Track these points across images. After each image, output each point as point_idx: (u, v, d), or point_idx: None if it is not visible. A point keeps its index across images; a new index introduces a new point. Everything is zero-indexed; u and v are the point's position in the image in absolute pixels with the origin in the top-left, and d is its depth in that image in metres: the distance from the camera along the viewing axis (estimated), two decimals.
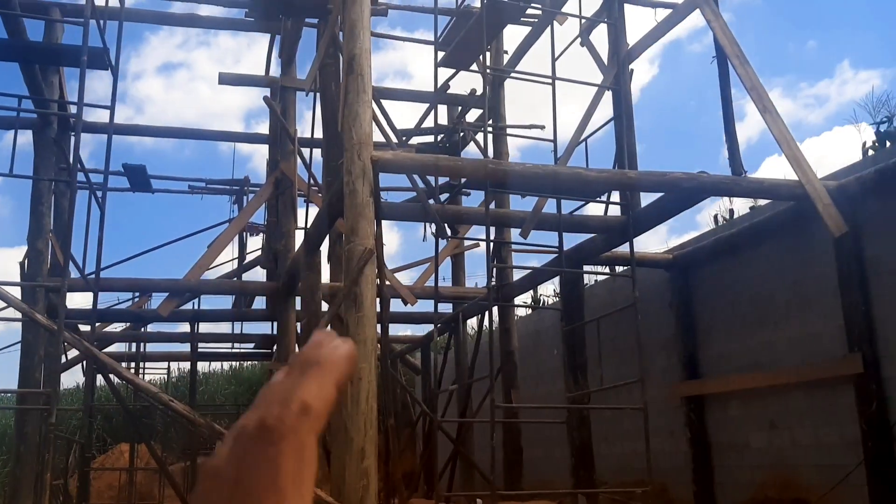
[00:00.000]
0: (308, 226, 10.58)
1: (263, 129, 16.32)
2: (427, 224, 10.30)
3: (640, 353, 8.93)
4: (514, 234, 13.26)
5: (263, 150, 15.67)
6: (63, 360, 14.28)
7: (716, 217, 13.43)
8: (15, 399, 11.82)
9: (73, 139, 7.82)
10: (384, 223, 7.84)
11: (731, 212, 13.24)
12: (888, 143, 10.21)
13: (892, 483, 8.08)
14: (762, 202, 12.49)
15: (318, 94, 10.67)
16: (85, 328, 14.94)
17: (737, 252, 10.90)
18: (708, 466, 11.29)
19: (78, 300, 22.21)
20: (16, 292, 6.89)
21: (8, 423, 21.03)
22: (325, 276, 11.28)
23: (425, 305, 15.11)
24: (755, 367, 10.40)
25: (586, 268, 12.35)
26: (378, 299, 7.78)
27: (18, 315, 9.51)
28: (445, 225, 9.76)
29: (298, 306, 13.10)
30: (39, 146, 12.18)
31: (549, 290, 20.29)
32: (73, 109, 12.80)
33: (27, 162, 12.85)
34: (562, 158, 9.47)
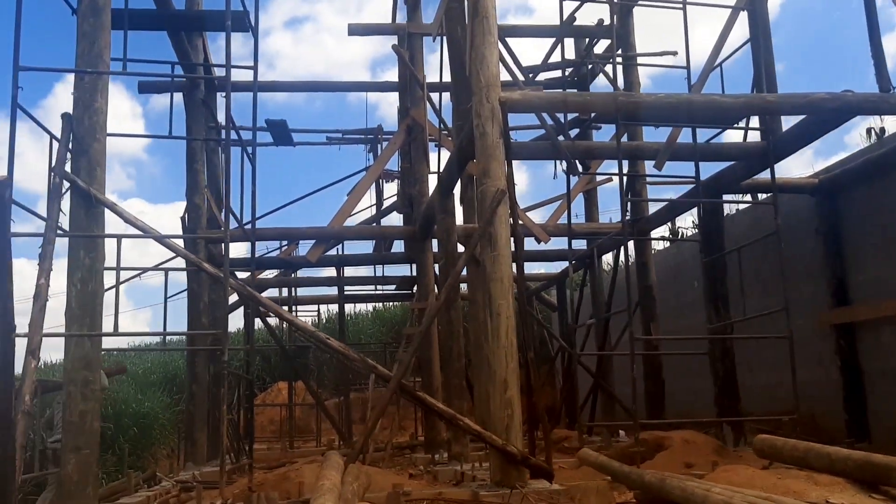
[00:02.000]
0: (440, 170, 10.85)
1: (391, 76, 16.65)
2: (558, 161, 10.34)
3: (784, 282, 8.70)
4: (648, 166, 13.08)
5: (391, 97, 16.04)
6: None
7: (869, 131, 12.64)
8: (186, 341, 12.95)
9: (223, 100, 8.34)
10: (514, 163, 7.97)
11: (882, 130, 12.44)
12: None
13: None
14: None
15: (444, 39, 10.83)
16: (241, 275, 16.11)
17: (889, 173, 10.31)
18: (860, 394, 10.93)
19: (233, 250, 23.75)
20: (178, 244, 7.58)
21: (177, 366, 22.95)
22: (459, 219, 11.59)
23: (559, 243, 15.19)
24: None
25: (725, 197, 12.02)
26: (512, 238, 7.99)
27: (183, 265, 10.39)
28: (576, 161, 9.77)
29: (435, 248, 13.57)
30: (190, 108, 13.03)
31: (687, 221, 19.81)
32: (217, 72, 13.63)
33: (179, 123, 13.74)
34: (695, 85, 9.24)
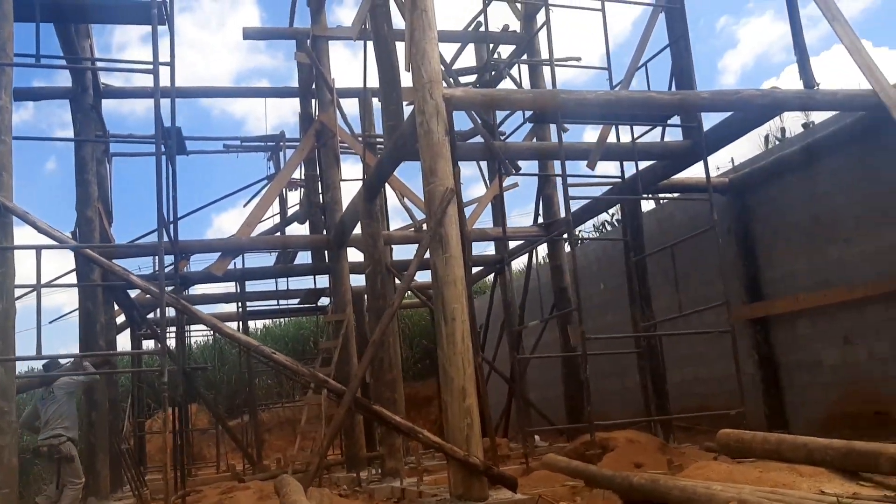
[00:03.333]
0: (364, 175, 10.42)
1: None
2: (481, 165, 10.11)
3: (699, 280, 8.82)
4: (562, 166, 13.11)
5: (259, 110, 15.42)
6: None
7: (766, 138, 13.18)
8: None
9: (112, 105, 7.59)
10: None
11: (783, 131, 13.01)
12: None
13: None
14: (816, 120, 12.27)
15: (363, 41, 10.42)
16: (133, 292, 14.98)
17: (797, 170, 10.71)
18: (778, 387, 11.29)
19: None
20: (100, 258, 6.81)
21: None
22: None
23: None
24: (824, 284, 10.31)
25: (655, 196, 12.18)
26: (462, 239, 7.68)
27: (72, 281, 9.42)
28: (507, 161, 9.60)
29: (351, 257, 13.08)
30: (78, 114, 12.00)
31: (588, 227, 20.13)
32: (103, 75, 12.64)
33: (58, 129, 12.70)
34: (622, 85, 9.25)
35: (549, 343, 14.98)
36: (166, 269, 15.20)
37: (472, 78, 15.07)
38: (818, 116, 10.91)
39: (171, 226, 8.25)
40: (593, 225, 20.22)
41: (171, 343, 19.43)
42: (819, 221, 10.46)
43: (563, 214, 13.55)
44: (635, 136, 9.85)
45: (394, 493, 8.85)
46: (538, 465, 7.61)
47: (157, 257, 6.66)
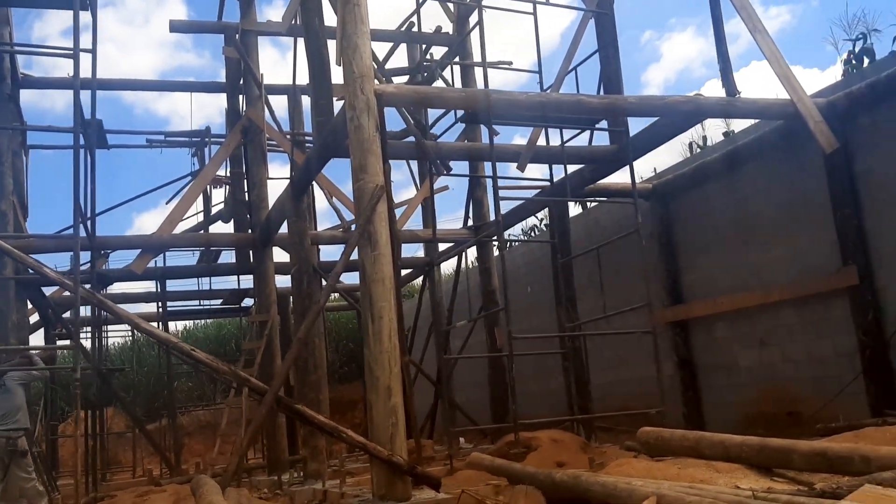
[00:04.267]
0: (291, 173, 10.24)
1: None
2: (411, 164, 10.06)
3: (622, 283, 8.99)
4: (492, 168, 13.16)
5: (183, 109, 15.07)
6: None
7: (690, 145, 13.52)
8: None
9: (31, 96, 7.29)
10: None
11: (705, 139, 13.37)
12: (866, 60, 10.39)
13: (890, 389, 8.40)
14: (736, 128, 12.65)
15: (293, 39, 10.25)
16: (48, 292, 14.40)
17: (718, 177, 11.03)
18: (696, 388, 11.58)
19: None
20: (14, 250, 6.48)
21: None
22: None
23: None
24: (742, 288, 10.63)
25: (583, 199, 12.34)
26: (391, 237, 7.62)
27: None
28: (439, 162, 9.59)
29: (276, 256, 12.85)
30: None
31: (515, 232, 20.30)
32: (21, 66, 12.09)
33: None
34: (552, 88, 9.35)
35: (475, 345, 15.02)
36: (83, 266, 14.72)
37: (405, 79, 15.02)
38: (739, 126, 11.26)
39: (89, 221, 7.92)
40: (521, 230, 20.42)
41: (88, 344, 18.81)
42: (738, 226, 10.78)
43: (492, 217, 13.64)
44: (567, 139, 9.97)
45: (315, 496, 8.70)
46: (462, 466, 7.59)
47: (73, 253, 6.33)
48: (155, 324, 16.07)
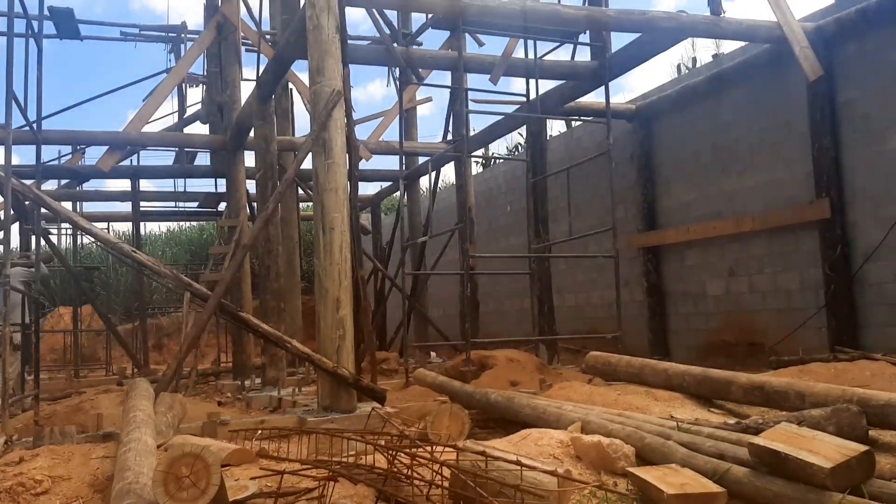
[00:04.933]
0: (259, 74, 9.85)
1: None
2: (390, 72, 9.65)
3: (600, 205, 8.80)
4: (478, 82, 12.75)
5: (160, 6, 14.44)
6: None
7: (678, 66, 13.08)
8: None
9: None
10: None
11: (694, 60, 12.93)
12: None
13: (851, 325, 8.33)
14: (725, 51, 12.22)
15: None
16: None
17: (701, 101, 10.70)
18: (663, 314, 11.54)
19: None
20: None
21: None
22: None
23: (376, 162, 14.68)
24: (716, 216, 10.45)
25: (557, 117, 12.01)
26: (348, 146, 7.36)
27: None
28: (409, 70, 9.23)
29: (248, 161, 12.55)
30: None
31: (501, 148, 19.97)
32: None
33: None
34: None
35: (452, 261, 14.94)
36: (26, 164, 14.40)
37: None
38: (730, 48, 10.84)
39: (36, 113, 7.57)
40: (506, 146, 20.08)
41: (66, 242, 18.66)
42: (717, 153, 10.53)
43: (470, 132, 13.33)
44: (544, 53, 9.59)
45: (271, 402, 8.71)
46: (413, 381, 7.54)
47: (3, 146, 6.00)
48: (127, 225, 15.89)
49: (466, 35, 12.30)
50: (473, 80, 12.79)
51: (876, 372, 5.36)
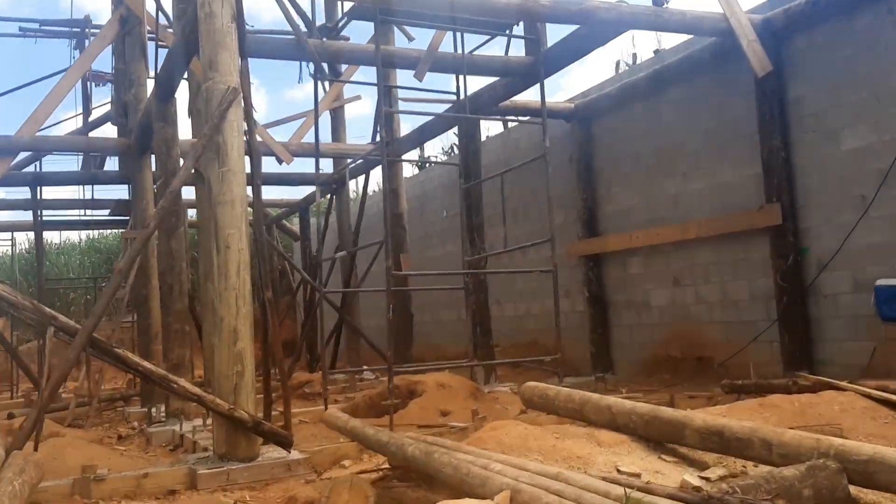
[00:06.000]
0: (158, 69, 8.86)
1: None
2: (305, 65, 8.70)
3: (540, 211, 8.06)
4: (406, 80, 11.92)
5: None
6: None
7: (617, 63, 12.46)
8: None
9: None
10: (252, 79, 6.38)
11: (634, 56, 12.31)
12: None
13: (805, 341, 7.75)
14: (666, 46, 11.63)
15: None
16: None
17: (643, 99, 10.07)
18: (606, 326, 10.88)
19: None
20: None
21: None
22: (187, 132, 9.71)
23: (302, 165, 13.76)
24: (659, 221, 9.83)
25: (489, 117, 11.25)
26: (249, 150, 6.46)
27: None
28: (325, 66, 8.34)
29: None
30: None
31: (436, 148, 19.17)
32: None
33: None
34: None
35: (382, 272, 14.08)
36: None
37: None
38: (673, 42, 10.26)
39: None
40: (442, 147, 19.30)
41: None
42: (661, 154, 9.90)
43: (402, 132, 12.48)
44: (475, 47, 8.82)
45: (173, 439, 7.77)
46: (342, 408, 6.63)
47: None
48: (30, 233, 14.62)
49: (396, 29, 11.51)
50: (406, 77, 12.00)
51: (846, 406, 4.71)
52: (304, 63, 8.48)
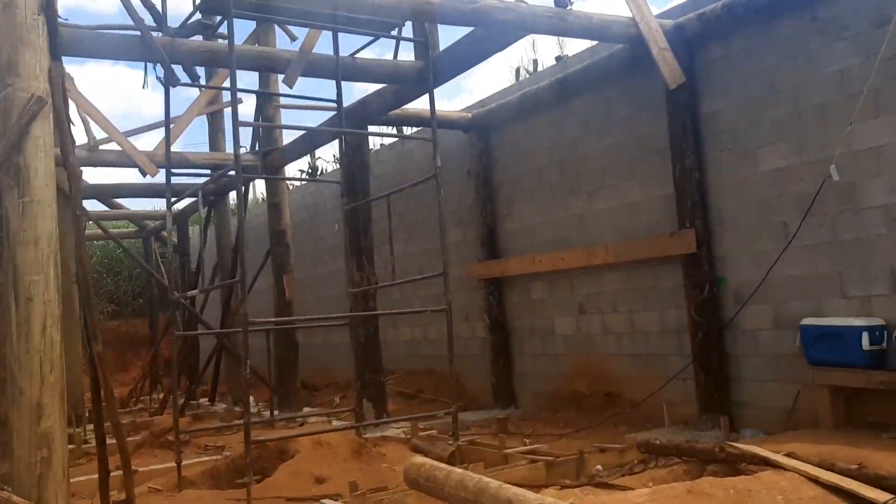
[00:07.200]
0: None
1: None
2: (153, 68, 7.39)
3: (443, 238, 7.09)
4: (231, 78, 10.77)
5: None
6: None
7: (517, 70, 11.61)
8: None
9: None
10: (105, 80, 5.15)
11: (535, 63, 11.51)
12: None
13: (722, 379, 7.04)
14: (570, 52, 10.89)
15: None
16: None
17: (546, 110, 9.24)
18: (508, 355, 10.01)
19: None
20: None
21: None
22: None
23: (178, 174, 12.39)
24: (564, 243, 9.02)
25: (372, 129, 10.21)
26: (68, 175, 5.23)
27: None
28: (182, 67, 7.13)
29: None
30: None
31: (329, 154, 18.01)
32: None
33: None
34: None
35: (264, 289, 12.87)
36: None
37: None
38: (577, 48, 9.46)
39: None
40: (334, 155, 18.18)
41: None
42: (565, 170, 9.10)
43: (286, 141, 11.29)
44: (357, 49, 7.75)
45: None
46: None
47: None
48: None
49: (278, 29, 10.32)
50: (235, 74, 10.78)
51: (790, 496, 3.91)
52: (150, 65, 7.17)
